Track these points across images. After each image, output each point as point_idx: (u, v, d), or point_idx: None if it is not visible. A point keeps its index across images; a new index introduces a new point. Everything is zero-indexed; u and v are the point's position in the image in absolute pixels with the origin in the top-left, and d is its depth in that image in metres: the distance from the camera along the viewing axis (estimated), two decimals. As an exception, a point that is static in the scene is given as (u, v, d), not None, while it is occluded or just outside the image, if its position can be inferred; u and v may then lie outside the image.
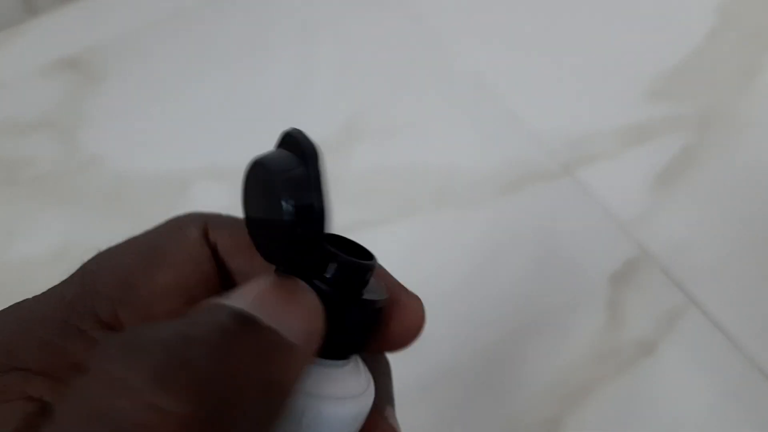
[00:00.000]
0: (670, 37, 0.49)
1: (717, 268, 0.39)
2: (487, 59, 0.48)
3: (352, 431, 0.17)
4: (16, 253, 0.39)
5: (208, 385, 0.13)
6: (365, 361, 0.19)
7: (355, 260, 0.16)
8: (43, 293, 0.18)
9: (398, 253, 0.39)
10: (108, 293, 0.17)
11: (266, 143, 0.47)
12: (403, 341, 0.19)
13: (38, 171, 0.42)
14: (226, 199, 0.40)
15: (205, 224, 0.19)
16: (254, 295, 0.15)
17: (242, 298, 0.15)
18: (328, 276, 0.16)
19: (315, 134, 0.49)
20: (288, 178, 0.16)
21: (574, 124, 0.45)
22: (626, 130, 0.44)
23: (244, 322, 0.15)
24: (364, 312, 0.17)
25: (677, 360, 0.36)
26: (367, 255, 0.17)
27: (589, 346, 0.36)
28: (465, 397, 0.35)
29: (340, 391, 0.17)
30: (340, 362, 0.17)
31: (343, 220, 0.40)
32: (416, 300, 0.20)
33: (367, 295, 0.17)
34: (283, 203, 0.15)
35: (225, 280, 0.20)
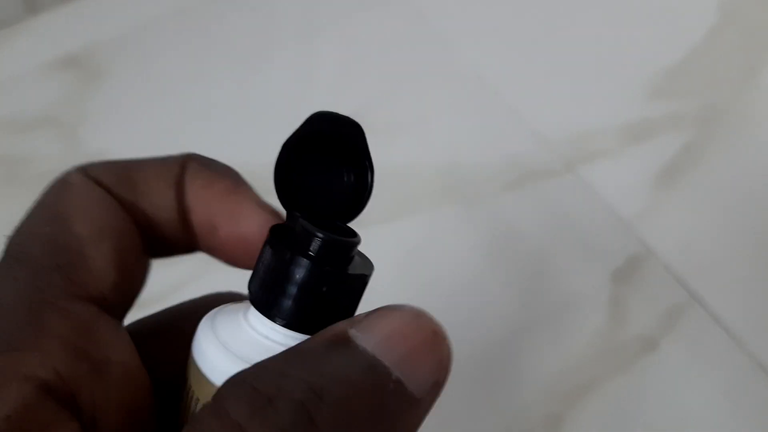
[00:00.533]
0: (672, 35, 0.49)
1: (719, 264, 0.39)
2: (489, 57, 0.48)
3: None
4: (18, 251, 0.39)
5: None
6: None
7: (339, 237, 0.16)
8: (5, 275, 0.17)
9: (400, 250, 0.39)
10: (68, 262, 0.17)
11: (267, 141, 0.46)
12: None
13: (39, 169, 0.42)
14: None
15: (85, 171, 0.19)
16: (386, 335, 0.15)
17: (373, 339, 0.15)
18: (312, 253, 0.16)
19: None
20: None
21: (576, 122, 0.45)
22: (628, 128, 0.44)
23: (377, 376, 0.14)
24: (350, 287, 0.16)
25: (679, 356, 0.36)
26: (351, 233, 0.17)
27: (591, 343, 0.36)
28: (467, 393, 0.35)
29: None
30: None
31: (344, 217, 0.40)
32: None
33: (352, 271, 0.16)
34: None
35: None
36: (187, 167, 0.20)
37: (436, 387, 0.15)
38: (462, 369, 0.35)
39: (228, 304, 0.18)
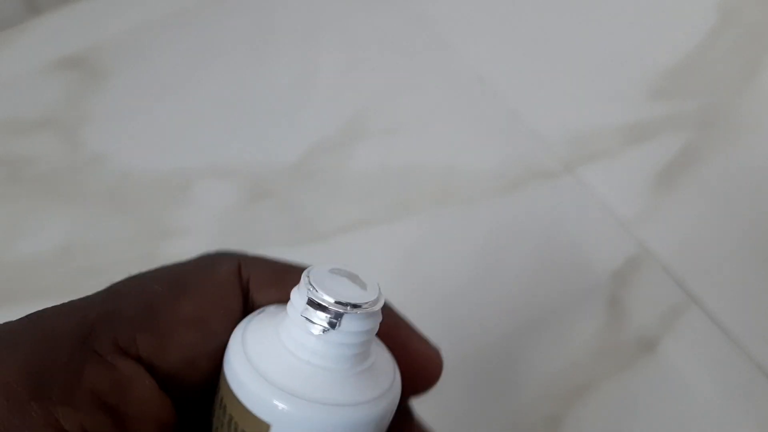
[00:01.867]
0: (671, 36, 0.49)
1: (718, 266, 0.39)
2: (488, 58, 0.48)
3: None
4: (19, 251, 0.39)
5: None
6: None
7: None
8: (65, 305, 0.17)
9: (399, 252, 0.39)
10: (130, 316, 0.17)
11: (269, 142, 0.47)
12: (418, 390, 0.20)
13: (41, 169, 0.43)
14: (230, 198, 0.40)
15: (238, 261, 0.19)
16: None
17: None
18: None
19: (317, 134, 0.49)
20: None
21: (574, 122, 0.45)
22: (627, 129, 0.44)
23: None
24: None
25: (678, 357, 0.36)
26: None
27: (591, 344, 0.36)
28: (466, 394, 0.35)
29: (350, 396, 0.16)
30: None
31: (344, 220, 0.40)
32: (434, 352, 0.21)
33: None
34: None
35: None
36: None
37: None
38: (460, 370, 0.35)
39: (257, 316, 0.18)
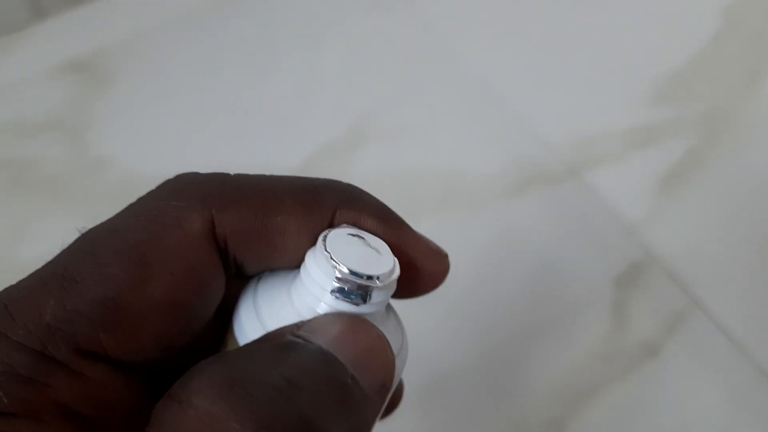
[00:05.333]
0: (676, 40, 0.49)
1: (722, 271, 0.39)
2: (493, 62, 0.48)
3: None
4: (24, 254, 0.39)
5: None
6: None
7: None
8: (17, 298, 0.15)
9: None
10: (90, 314, 0.14)
11: (273, 145, 0.47)
12: (428, 288, 0.19)
13: (46, 173, 0.43)
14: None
15: (210, 213, 0.16)
16: (335, 336, 0.15)
17: (324, 338, 0.14)
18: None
19: (321, 137, 0.49)
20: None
21: (579, 126, 0.45)
22: (632, 133, 0.44)
23: (337, 371, 0.14)
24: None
25: (682, 362, 0.36)
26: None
27: (594, 348, 0.36)
28: (469, 398, 0.35)
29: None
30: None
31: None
32: (438, 249, 0.19)
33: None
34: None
35: (230, 273, 0.17)
36: (335, 220, 0.17)
37: (383, 390, 0.15)
38: (465, 374, 0.35)
39: (269, 277, 0.17)
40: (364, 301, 0.16)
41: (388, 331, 0.17)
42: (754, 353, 0.36)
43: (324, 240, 0.16)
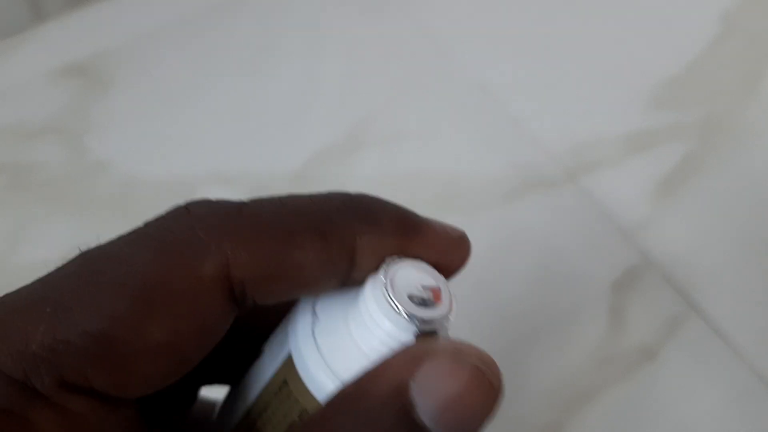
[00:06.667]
0: (674, 45, 0.49)
1: (719, 275, 0.39)
2: (491, 67, 0.48)
3: None
4: (23, 258, 0.39)
5: None
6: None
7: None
8: (4, 324, 0.14)
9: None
10: (80, 347, 0.14)
11: (272, 149, 0.47)
12: (452, 272, 0.19)
13: (45, 176, 0.43)
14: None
15: (225, 255, 0.15)
16: (445, 404, 0.14)
17: (432, 408, 0.14)
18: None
19: (319, 141, 0.50)
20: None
21: (577, 131, 0.45)
22: (629, 137, 0.44)
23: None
24: None
25: (678, 367, 0.36)
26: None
27: (591, 353, 0.36)
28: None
29: None
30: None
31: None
32: (459, 232, 0.19)
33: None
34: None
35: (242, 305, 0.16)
36: (357, 247, 0.16)
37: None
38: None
39: (326, 314, 0.17)
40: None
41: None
42: (751, 358, 0.36)
43: (385, 282, 0.16)
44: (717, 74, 0.48)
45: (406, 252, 0.17)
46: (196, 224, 0.16)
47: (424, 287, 0.17)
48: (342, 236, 0.16)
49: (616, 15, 0.51)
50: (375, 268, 0.17)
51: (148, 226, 0.16)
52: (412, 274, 0.17)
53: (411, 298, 0.16)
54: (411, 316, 0.16)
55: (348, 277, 0.17)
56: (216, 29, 0.50)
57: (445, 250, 0.18)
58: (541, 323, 0.37)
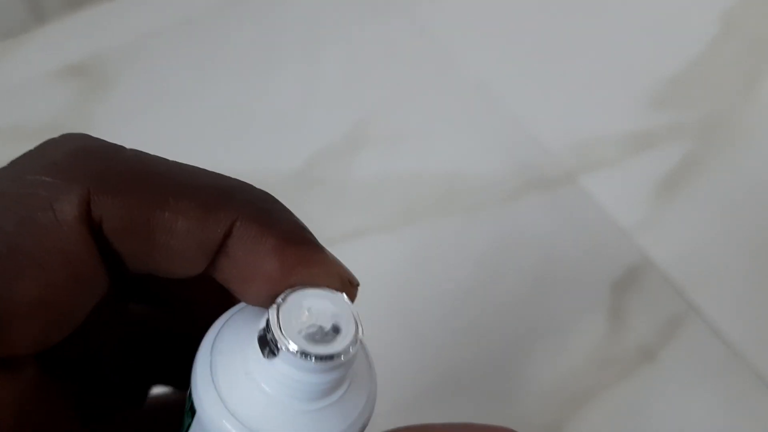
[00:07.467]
0: (674, 45, 0.49)
1: (718, 276, 0.39)
2: (490, 66, 0.48)
3: None
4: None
5: None
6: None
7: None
8: None
9: (402, 259, 0.39)
10: None
11: (272, 149, 0.47)
12: None
13: (46, 177, 0.43)
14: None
15: (87, 193, 0.14)
16: None
17: None
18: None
19: (320, 141, 0.50)
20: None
21: (577, 131, 0.45)
22: (629, 138, 0.44)
23: None
24: None
25: (678, 367, 0.36)
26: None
27: (591, 353, 0.36)
28: (465, 402, 0.35)
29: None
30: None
31: (346, 227, 0.40)
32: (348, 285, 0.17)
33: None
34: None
35: (114, 265, 0.15)
36: (233, 232, 0.15)
37: None
38: (461, 379, 0.35)
39: (232, 318, 0.17)
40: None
41: (342, 398, 0.16)
42: (750, 358, 0.36)
43: (278, 320, 0.15)
44: (716, 75, 0.48)
45: (283, 263, 0.15)
46: (63, 161, 0.15)
47: (324, 318, 0.16)
48: (220, 216, 0.15)
49: (616, 15, 0.51)
50: (249, 266, 0.15)
51: (8, 167, 0.16)
52: (313, 304, 0.16)
53: (310, 334, 0.15)
54: (306, 355, 0.15)
55: (215, 268, 0.16)
56: (216, 29, 0.51)
57: (331, 279, 0.16)
58: (540, 323, 0.37)
